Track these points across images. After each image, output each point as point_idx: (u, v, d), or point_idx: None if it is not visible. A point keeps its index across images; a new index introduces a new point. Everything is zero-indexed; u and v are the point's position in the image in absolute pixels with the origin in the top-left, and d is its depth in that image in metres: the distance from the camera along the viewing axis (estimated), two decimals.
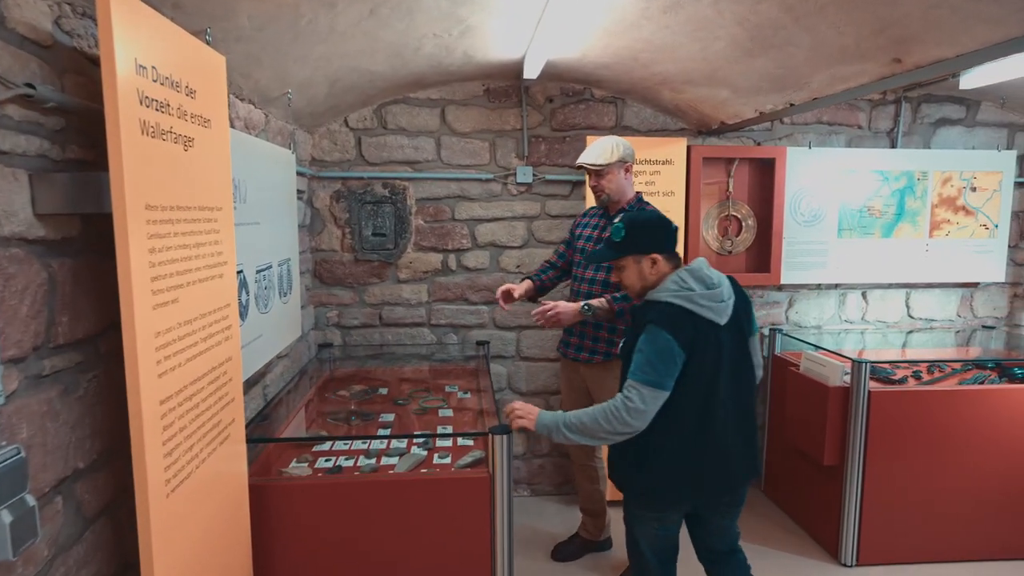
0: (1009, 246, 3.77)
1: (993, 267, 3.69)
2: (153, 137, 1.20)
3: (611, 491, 2.96)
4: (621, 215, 1.92)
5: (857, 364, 2.82)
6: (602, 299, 2.47)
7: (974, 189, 3.61)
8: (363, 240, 3.43)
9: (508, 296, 2.69)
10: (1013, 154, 3.64)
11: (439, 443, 2.29)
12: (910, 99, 3.64)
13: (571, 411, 1.85)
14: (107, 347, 1.40)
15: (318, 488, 1.86)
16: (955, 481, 2.91)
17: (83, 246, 1.32)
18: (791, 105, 2.58)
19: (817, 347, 3.25)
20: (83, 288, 1.32)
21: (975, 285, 3.81)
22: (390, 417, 2.61)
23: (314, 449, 2.25)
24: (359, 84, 2.87)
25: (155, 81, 1.21)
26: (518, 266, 3.55)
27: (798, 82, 2.35)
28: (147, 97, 1.18)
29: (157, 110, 1.22)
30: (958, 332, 3.83)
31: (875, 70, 2.00)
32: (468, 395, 2.98)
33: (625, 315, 2.41)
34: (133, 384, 1.14)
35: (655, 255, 1.88)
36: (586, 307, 2.45)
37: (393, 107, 3.38)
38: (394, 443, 2.28)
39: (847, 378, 2.88)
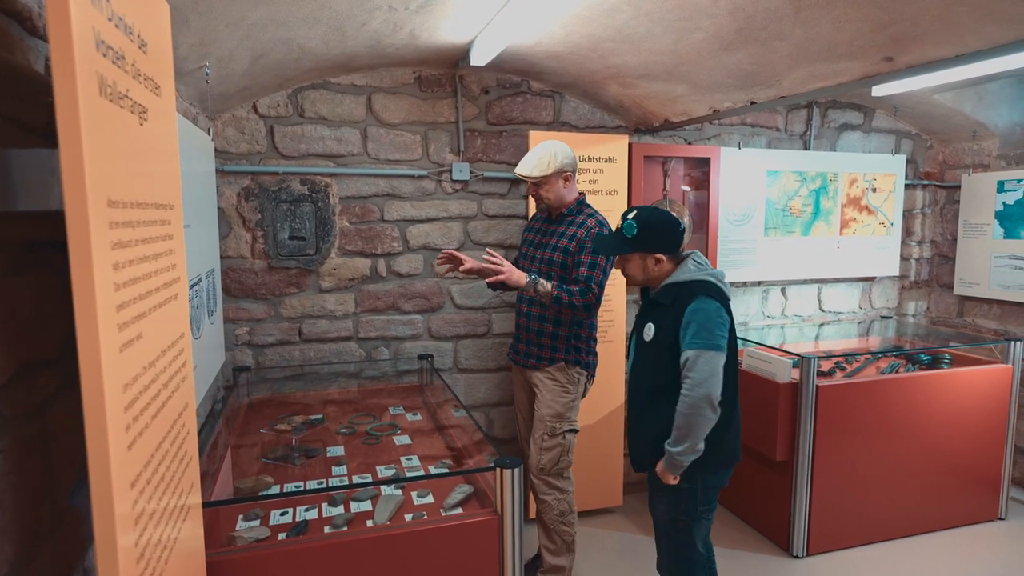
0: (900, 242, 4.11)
1: (889, 262, 4.00)
2: (111, 101, 0.83)
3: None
4: (634, 211, 2.00)
5: (806, 360, 2.88)
6: (549, 281, 2.43)
7: (875, 190, 3.89)
8: (279, 244, 2.97)
9: (455, 259, 2.43)
10: (903, 158, 3.97)
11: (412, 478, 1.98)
12: (820, 104, 3.84)
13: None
14: None
15: (298, 555, 1.49)
16: (892, 464, 3.08)
17: None
18: (752, 103, 2.56)
19: (758, 344, 3.31)
20: None
21: (872, 279, 4.11)
22: (339, 451, 2.24)
23: (261, 499, 1.84)
24: (283, 63, 2.45)
25: (110, 20, 0.83)
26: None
27: (769, 79, 2.32)
28: (103, 42, 0.80)
29: (114, 62, 0.84)
30: (860, 323, 4.12)
31: (860, 68, 2.00)
32: (418, 416, 2.66)
33: (563, 301, 2.37)
34: (100, 466, 0.76)
35: (659, 255, 2.00)
36: (533, 278, 2.39)
37: (311, 92, 2.96)
38: (356, 483, 1.94)
39: (795, 373, 2.94)
